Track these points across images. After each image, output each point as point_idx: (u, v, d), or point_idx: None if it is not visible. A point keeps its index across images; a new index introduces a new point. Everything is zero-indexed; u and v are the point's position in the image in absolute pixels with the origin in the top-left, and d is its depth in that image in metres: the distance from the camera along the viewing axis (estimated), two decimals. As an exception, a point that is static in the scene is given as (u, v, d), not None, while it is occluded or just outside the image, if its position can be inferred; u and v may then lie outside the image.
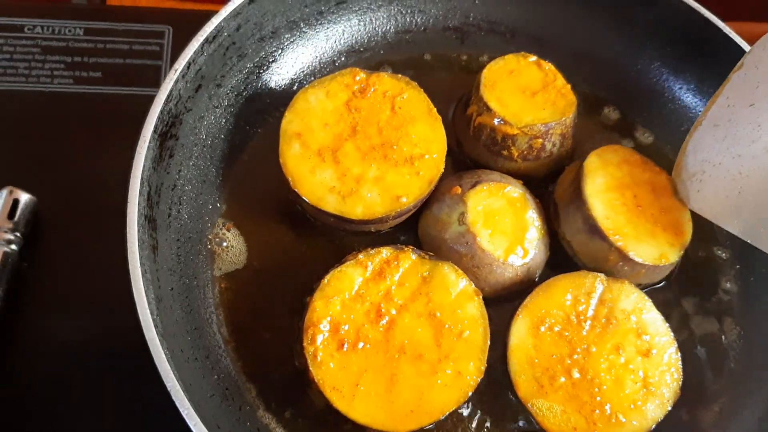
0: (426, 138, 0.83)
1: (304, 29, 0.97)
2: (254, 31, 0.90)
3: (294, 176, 0.80)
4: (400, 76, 0.86)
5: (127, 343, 0.68)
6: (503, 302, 0.82)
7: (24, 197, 0.87)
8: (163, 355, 0.66)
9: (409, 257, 0.77)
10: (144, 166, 0.74)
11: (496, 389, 0.80)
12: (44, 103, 0.99)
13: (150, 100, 0.77)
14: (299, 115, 0.83)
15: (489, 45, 1.04)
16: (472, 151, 0.92)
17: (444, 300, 0.76)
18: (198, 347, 0.76)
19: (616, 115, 1.03)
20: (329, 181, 0.80)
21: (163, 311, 0.73)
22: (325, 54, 1.00)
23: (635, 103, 1.03)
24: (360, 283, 0.76)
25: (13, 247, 0.84)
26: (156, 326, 0.67)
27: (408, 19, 1.03)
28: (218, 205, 0.87)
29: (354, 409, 0.71)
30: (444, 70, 1.03)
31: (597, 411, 0.76)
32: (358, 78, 0.85)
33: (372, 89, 0.85)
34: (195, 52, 0.81)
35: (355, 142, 0.82)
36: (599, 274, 0.82)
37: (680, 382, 0.79)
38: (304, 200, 0.80)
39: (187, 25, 0.85)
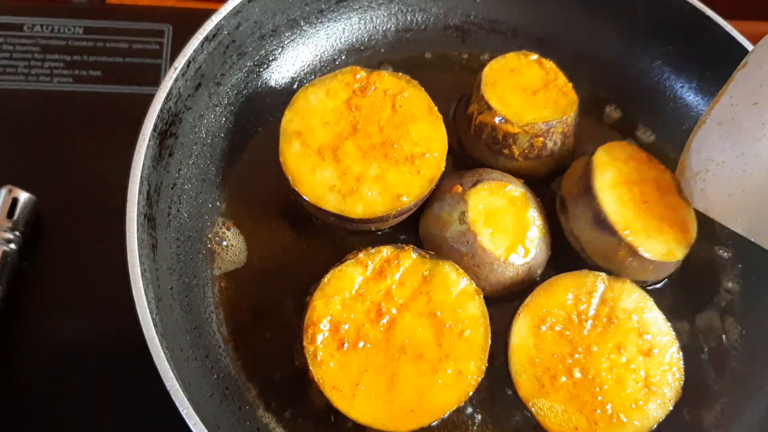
0: (427, 137, 0.83)
1: (304, 27, 0.96)
2: (254, 29, 0.90)
3: (294, 175, 0.80)
4: (400, 74, 0.86)
5: (126, 343, 0.68)
6: (504, 301, 0.82)
7: (23, 196, 0.87)
8: (163, 355, 0.66)
9: (410, 256, 0.77)
10: (144, 164, 0.74)
11: (497, 389, 0.79)
12: (44, 102, 0.99)
13: (150, 98, 0.77)
14: (299, 113, 0.82)
15: (490, 44, 1.04)
16: (473, 149, 0.92)
17: (445, 299, 0.76)
18: (198, 346, 0.76)
19: (617, 114, 1.03)
20: (329, 179, 0.80)
21: (163, 310, 0.72)
22: (326, 52, 0.99)
23: (636, 102, 1.03)
24: (360, 283, 0.75)
25: (13, 246, 0.84)
26: (155, 325, 0.67)
27: (409, 18, 1.03)
28: (218, 203, 0.87)
29: (354, 409, 0.71)
30: (445, 68, 1.03)
31: (598, 410, 0.76)
32: (358, 76, 0.85)
33: (372, 88, 0.85)
34: (195, 50, 0.81)
35: (356, 141, 0.82)
36: (600, 273, 0.82)
37: (682, 382, 0.79)
38: (305, 199, 0.79)
39: (187, 23, 0.85)
